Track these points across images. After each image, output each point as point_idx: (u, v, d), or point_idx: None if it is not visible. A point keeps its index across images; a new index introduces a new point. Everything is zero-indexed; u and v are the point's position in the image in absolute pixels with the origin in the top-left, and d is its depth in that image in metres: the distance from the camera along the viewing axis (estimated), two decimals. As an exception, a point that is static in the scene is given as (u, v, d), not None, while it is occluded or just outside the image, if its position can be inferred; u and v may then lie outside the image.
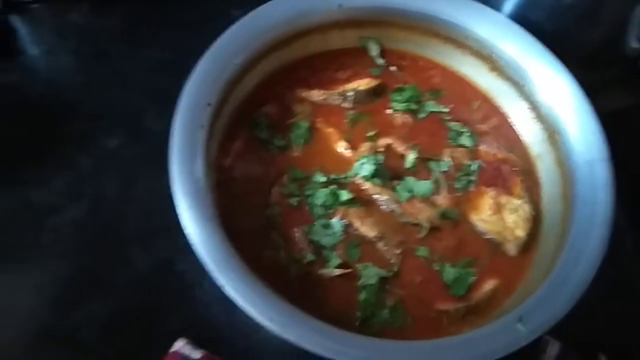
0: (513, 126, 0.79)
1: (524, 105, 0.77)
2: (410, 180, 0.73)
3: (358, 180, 0.72)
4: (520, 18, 0.82)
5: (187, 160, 0.61)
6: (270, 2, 0.75)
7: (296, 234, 0.68)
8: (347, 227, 0.69)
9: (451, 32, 0.78)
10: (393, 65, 0.82)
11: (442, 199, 0.72)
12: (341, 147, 0.75)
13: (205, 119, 0.65)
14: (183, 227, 0.58)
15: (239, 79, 0.72)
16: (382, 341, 0.56)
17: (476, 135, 0.78)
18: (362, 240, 0.68)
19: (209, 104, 0.65)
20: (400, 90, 0.80)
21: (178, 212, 0.59)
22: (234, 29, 0.71)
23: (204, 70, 0.66)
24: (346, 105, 0.78)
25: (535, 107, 0.76)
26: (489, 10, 0.76)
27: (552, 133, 0.73)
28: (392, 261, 0.67)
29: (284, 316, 0.54)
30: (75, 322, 0.67)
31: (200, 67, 0.66)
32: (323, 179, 0.71)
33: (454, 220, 0.71)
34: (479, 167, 0.75)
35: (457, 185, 0.74)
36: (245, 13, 0.74)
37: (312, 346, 0.52)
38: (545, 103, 0.74)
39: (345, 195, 0.70)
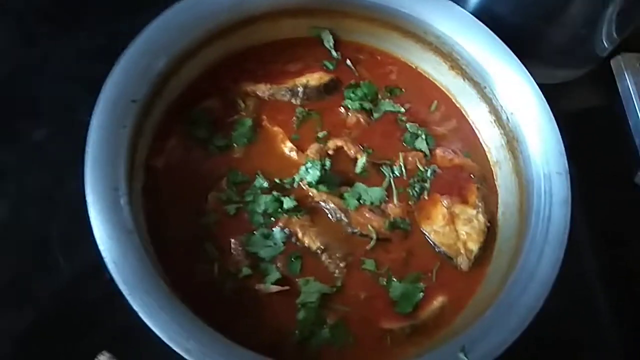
0: (473, 129, 0.74)
1: (484, 108, 0.73)
2: (360, 186, 0.68)
3: (304, 185, 0.67)
4: (486, 11, 0.77)
5: (104, 167, 0.55)
6: (213, -16, 0.68)
7: (232, 245, 0.62)
8: (289, 238, 0.64)
9: (410, 25, 0.72)
10: (349, 58, 0.76)
11: (393, 208, 0.68)
12: (287, 149, 0.69)
13: (130, 118, 0.58)
14: (98, 244, 0.52)
15: (174, 70, 0.66)
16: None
17: (433, 138, 0.73)
18: (305, 252, 0.63)
19: (133, 101, 0.58)
20: (355, 86, 0.74)
21: (93, 226, 0.53)
22: (168, 15, 0.65)
23: (130, 62, 0.60)
24: (295, 101, 0.72)
25: (495, 110, 0.71)
26: (450, 4, 0.71)
27: (512, 140, 0.69)
28: (335, 275, 0.63)
29: (203, 346, 0.49)
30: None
31: (125, 58, 0.60)
32: (265, 183, 0.66)
33: (404, 231, 0.67)
34: (434, 172, 0.70)
35: (410, 192, 0.69)
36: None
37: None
38: (506, 108, 0.69)
39: (289, 202, 0.64)
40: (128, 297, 0.50)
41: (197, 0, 0.67)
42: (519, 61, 0.68)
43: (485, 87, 0.71)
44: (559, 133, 0.65)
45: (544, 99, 0.67)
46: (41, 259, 0.67)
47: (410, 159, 0.71)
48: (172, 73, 0.66)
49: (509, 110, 0.69)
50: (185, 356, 0.48)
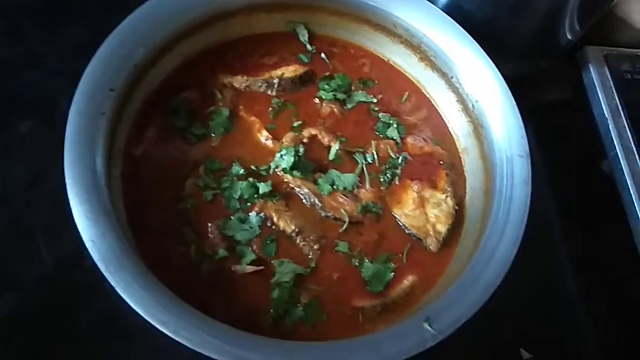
0: (442, 118, 0.77)
1: (452, 97, 0.76)
2: (333, 172, 0.70)
3: (279, 172, 0.69)
4: (455, 6, 0.80)
5: (83, 151, 0.57)
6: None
7: (209, 229, 0.64)
8: (265, 222, 0.66)
9: (380, 19, 0.75)
10: (323, 52, 0.79)
11: (366, 193, 0.70)
12: (263, 137, 0.72)
13: (108, 106, 0.60)
14: (76, 223, 0.54)
15: (152, 61, 0.68)
16: (280, 343, 0.54)
17: (404, 127, 0.76)
18: (280, 235, 0.66)
19: (111, 90, 0.61)
20: (329, 78, 0.77)
21: (71, 206, 0.55)
22: (146, 7, 0.67)
23: (108, 51, 0.62)
24: (271, 92, 0.75)
25: (462, 99, 0.74)
26: (416, -3, 0.74)
27: (477, 127, 0.72)
28: (310, 257, 0.65)
29: (180, 319, 0.51)
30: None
31: (103, 49, 0.62)
32: (242, 170, 0.68)
33: (376, 215, 0.69)
34: (405, 159, 0.73)
35: (382, 178, 0.72)
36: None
37: (207, 350, 0.50)
38: (471, 96, 0.72)
39: (264, 187, 0.67)
40: (105, 273, 0.52)
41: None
42: (481, 50, 0.71)
43: (452, 77, 0.74)
44: (520, 117, 0.68)
45: (506, 85, 0.70)
46: (24, 247, 0.68)
47: (382, 146, 0.74)
48: (150, 64, 0.68)
49: (474, 99, 0.72)
50: (162, 329, 0.50)
